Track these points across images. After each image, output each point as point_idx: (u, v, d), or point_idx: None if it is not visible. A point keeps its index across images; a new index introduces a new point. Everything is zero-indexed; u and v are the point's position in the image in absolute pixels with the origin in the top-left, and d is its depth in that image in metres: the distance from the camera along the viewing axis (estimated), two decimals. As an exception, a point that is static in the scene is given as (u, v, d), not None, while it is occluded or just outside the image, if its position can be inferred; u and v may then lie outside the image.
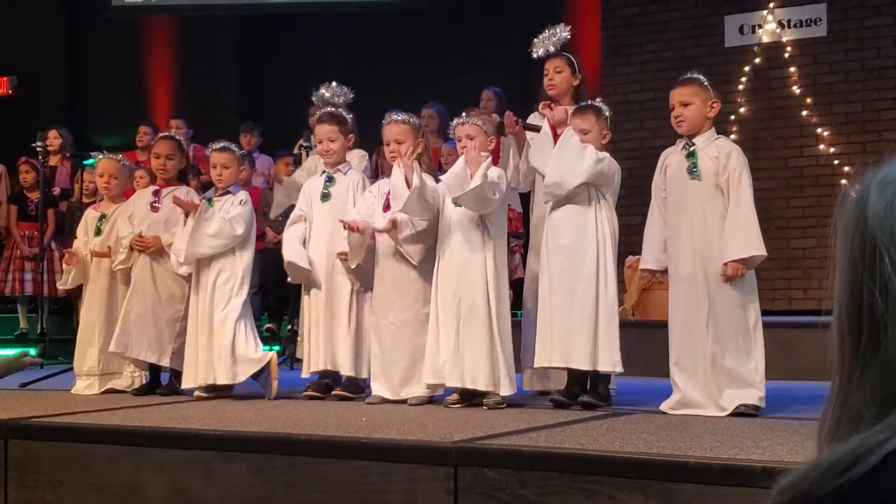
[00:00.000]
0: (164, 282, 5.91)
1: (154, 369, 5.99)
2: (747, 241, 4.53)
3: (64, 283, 6.35)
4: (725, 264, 4.52)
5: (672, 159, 4.80)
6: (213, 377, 5.60)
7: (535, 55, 5.61)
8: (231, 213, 5.71)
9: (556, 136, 5.13)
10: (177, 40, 11.84)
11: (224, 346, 5.59)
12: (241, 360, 5.61)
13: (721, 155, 4.64)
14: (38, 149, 8.00)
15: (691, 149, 4.70)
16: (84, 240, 6.25)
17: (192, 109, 10.91)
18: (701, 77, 4.80)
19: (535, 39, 5.60)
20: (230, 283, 5.68)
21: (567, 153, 4.91)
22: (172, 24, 11.90)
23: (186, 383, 5.67)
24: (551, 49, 5.57)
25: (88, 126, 10.90)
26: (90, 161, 7.07)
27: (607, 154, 4.98)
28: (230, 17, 11.63)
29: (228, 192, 5.83)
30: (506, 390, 4.94)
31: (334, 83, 6.18)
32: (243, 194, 5.89)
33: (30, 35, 11.10)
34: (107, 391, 5.97)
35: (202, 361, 5.63)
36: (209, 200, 5.81)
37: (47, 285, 8.66)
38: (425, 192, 5.07)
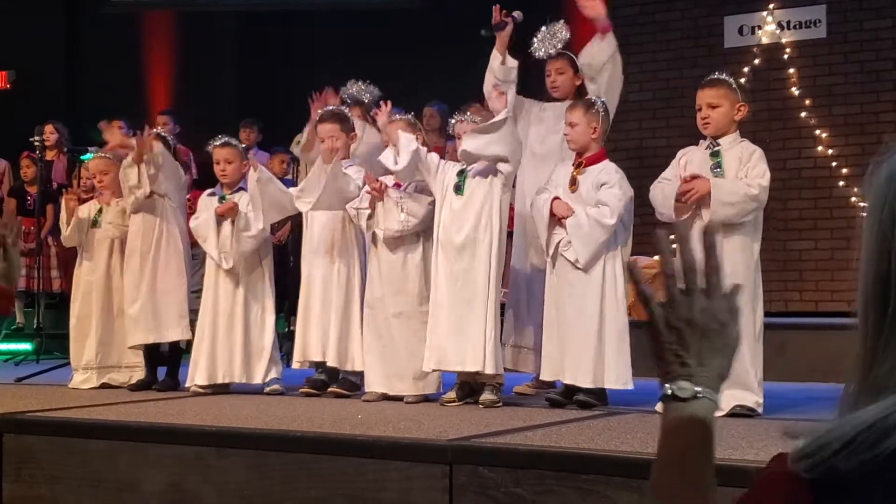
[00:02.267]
0: (165, 252, 5.95)
1: (151, 365, 5.99)
2: (729, 196, 4.51)
3: (67, 239, 6.26)
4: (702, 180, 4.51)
5: (693, 156, 4.78)
6: (246, 376, 5.66)
7: (535, 56, 5.59)
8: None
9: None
10: (175, 36, 11.83)
11: (265, 347, 5.72)
12: (275, 360, 5.79)
13: (744, 156, 4.66)
14: (36, 143, 8.00)
15: (716, 149, 4.70)
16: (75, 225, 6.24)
17: (191, 105, 10.89)
18: (730, 79, 4.80)
19: (534, 39, 5.57)
20: (261, 284, 5.78)
21: (586, 239, 4.83)
22: (171, 20, 11.88)
23: (199, 381, 5.67)
24: (552, 51, 5.55)
25: (86, 121, 10.87)
26: (87, 156, 7.08)
27: (619, 197, 4.85)
28: (229, 13, 11.61)
29: (241, 189, 5.87)
30: (490, 369, 4.90)
31: (360, 81, 6.21)
32: None
33: (28, 30, 11.08)
34: (104, 385, 5.96)
35: (227, 358, 5.67)
36: (221, 198, 5.84)
37: (43, 280, 8.66)
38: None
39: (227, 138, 5.95)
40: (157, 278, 5.93)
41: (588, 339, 4.80)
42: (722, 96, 4.71)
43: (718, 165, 4.65)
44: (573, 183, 4.95)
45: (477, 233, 4.99)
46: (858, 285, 1.05)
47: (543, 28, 5.56)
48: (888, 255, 1.01)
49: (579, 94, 5.50)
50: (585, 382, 4.80)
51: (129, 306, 5.93)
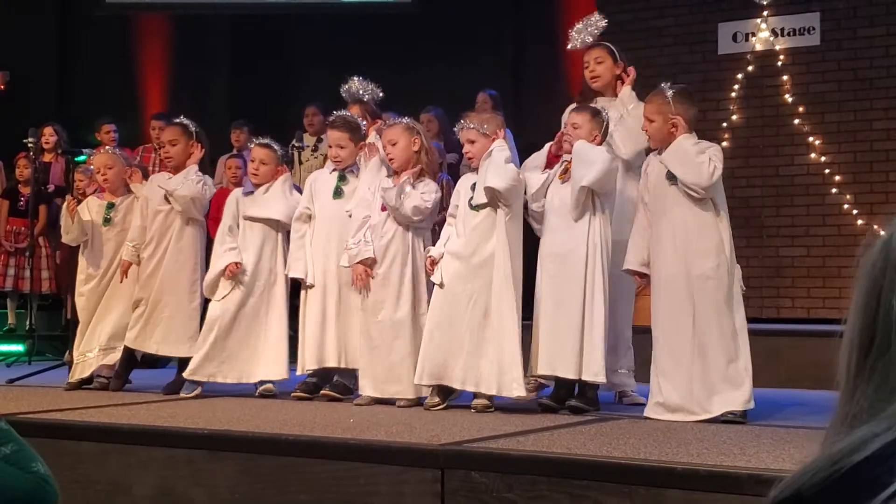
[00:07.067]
0: (182, 269, 5.95)
1: (127, 366, 5.99)
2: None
3: (71, 238, 6.22)
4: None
5: (652, 166, 4.85)
6: (258, 374, 5.67)
7: (570, 47, 5.52)
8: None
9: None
10: (169, 38, 11.82)
11: (277, 346, 5.71)
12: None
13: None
14: (30, 145, 7.98)
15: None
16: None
17: (184, 107, 10.87)
18: (665, 92, 4.77)
19: (572, 31, 5.49)
20: (277, 284, 5.78)
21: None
22: (165, 22, 11.87)
23: (202, 377, 5.69)
24: (588, 39, 5.49)
25: (80, 123, 10.86)
26: (81, 158, 7.06)
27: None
28: (223, 16, 11.60)
29: None
30: (501, 391, 4.91)
31: (360, 79, 6.19)
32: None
33: (22, 31, 11.07)
34: (95, 388, 5.94)
35: (242, 358, 5.68)
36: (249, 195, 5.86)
37: (35, 281, 8.64)
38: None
39: (269, 140, 5.95)
40: (168, 290, 5.91)
41: (570, 330, 4.82)
42: (655, 111, 4.75)
43: (673, 176, 4.68)
44: (565, 172, 5.00)
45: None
46: (845, 331, 1.11)
47: (579, 23, 5.51)
48: (878, 295, 1.07)
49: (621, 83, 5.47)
50: (567, 374, 4.82)
51: (160, 308, 5.92)
